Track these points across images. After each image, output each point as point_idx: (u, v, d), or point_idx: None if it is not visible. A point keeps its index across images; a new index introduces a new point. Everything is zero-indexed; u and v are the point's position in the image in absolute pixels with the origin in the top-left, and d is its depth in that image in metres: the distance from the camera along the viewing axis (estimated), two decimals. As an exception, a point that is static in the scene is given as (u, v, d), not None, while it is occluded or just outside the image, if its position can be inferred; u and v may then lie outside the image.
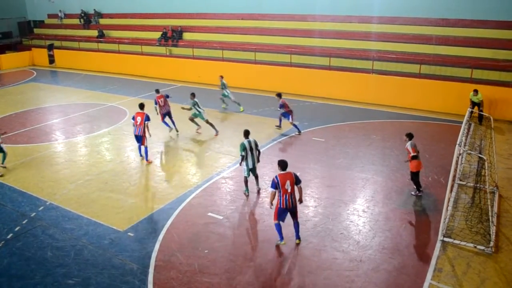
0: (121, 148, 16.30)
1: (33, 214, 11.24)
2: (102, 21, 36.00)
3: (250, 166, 11.61)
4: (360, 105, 20.75)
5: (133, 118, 14.46)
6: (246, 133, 11.70)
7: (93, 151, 15.95)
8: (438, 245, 9.37)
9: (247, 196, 11.90)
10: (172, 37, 29.86)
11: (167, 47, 29.26)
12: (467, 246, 9.23)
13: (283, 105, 16.78)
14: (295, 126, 16.79)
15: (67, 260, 9.30)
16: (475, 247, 9.15)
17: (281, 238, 9.44)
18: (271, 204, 9.39)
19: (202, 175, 13.47)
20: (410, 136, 11.51)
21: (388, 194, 11.84)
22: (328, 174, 13.26)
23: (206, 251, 9.44)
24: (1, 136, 14.67)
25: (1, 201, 12.12)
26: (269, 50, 24.73)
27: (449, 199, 9.69)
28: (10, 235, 10.33)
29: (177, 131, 17.21)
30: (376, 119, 18.43)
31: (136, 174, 13.84)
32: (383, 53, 21.57)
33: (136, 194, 12.31)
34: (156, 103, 16.87)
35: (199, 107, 16.92)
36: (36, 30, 40.74)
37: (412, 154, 11.31)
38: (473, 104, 17.29)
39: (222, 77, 20.45)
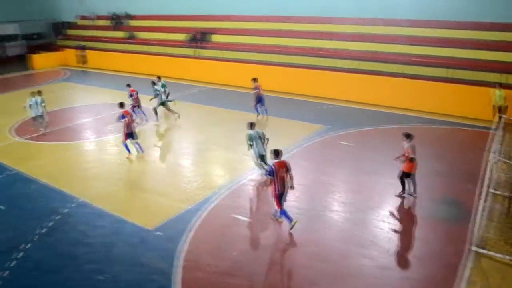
0: (150, 148, 16.53)
1: (65, 211, 11.52)
2: (132, 23, 36.64)
3: (262, 153, 12.72)
4: (388, 109, 20.46)
5: (124, 117, 14.84)
6: (251, 125, 12.89)
7: (122, 150, 16.20)
8: (470, 256, 9.16)
9: (267, 176, 12.01)
10: (200, 39, 30.15)
11: (194, 49, 29.55)
12: (502, 258, 8.95)
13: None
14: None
15: (97, 257, 9.50)
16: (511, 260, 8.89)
17: (291, 220, 10.06)
18: (272, 195, 10.08)
19: (229, 177, 13.54)
20: (408, 136, 11.38)
21: (418, 202, 11.65)
22: (356, 179, 13.14)
23: (233, 253, 9.48)
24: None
25: (36, 197, 12.48)
26: (294, 53, 24.67)
27: (481, 208, 9.45)
28: (44, 230, 10.61)
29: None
30: (405, 124, 18.13)
31: (164, 174, 14.02)
32: (411, 57, 21.25)
33: (165, 193, 12.46)
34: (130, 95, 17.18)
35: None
36: (68, 31, 41.73)
37: (411, 156, 11.20)
38: (499, 109, 16.94)
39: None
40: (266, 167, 12.49)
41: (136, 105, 19.09)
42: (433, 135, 17.11)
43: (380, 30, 23.35)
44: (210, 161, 15.02)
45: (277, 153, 10.14)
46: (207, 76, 27.61)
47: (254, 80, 19.31)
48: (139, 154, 15.47)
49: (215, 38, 29.77)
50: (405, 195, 11.68)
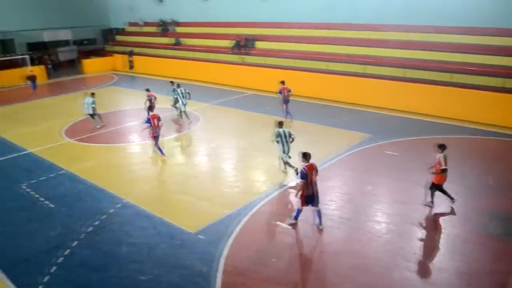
0: (194, 152, 16.87)
1: (111, 211, 11.92)
2: (179, 29, 37.54)
3: (286, 151, 13.46)
4: (436, 119, 19.83)
5: (149, 121, 15.28)
6: (280, 123, 13.57)
7: (167, 154, 16.61)
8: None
9: (295, 170, 12.86)
10: (245, 45, 30.48)
11: (240, 55, 29.90)
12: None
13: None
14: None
15: (140, 257, 9.76)
16: None
17: (296, 218, 10.66)
18: (297, 194, 10.32)
19: (271, 183, 13.56)
20: (441, 146, 11.16)
21: (466, 215, 11.22)
22: (401, 190, 12.83)
23: (273, 259, 9.48)
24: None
25: (84, 196, 13.00)
26: (340, 60, 24.45)
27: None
28: (90, 228, 11.02)
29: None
30: (454, 135, 17.55)
31: (207, 178, 14.23)
32: (462, 65, 20.54)
33: (207, 197, 12.64)
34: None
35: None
36: (117, 37, 43.36)
37: (443, 167, 10.97)
38: None
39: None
40: (291, 163, 13.51)
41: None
42: (483, 146, 16.47)
43: (429, 37, 22.75)
44: (252, 167, 15.12)
45: (306, 156, 10.34)
46: (251, 82, 27.85)
47: (282, 82, 20.16)
48: (162, 156, 15.79)
49: (260, 44, 30.00)
50: (432, 205, 11.48)
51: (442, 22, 22.54)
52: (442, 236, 10.30)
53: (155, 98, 19.95)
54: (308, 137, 17.37)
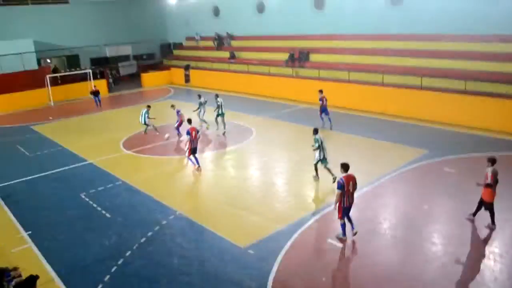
0: (246, 166, 17.01)
1: (164, 222, 12.25)
2: (234, 43, 38.29)
3: (321, 157, 14.05)
4: (500, 134, 18.73)
5: (189, 133, 15.96)
6: (316, 130, 14.31)
7: (219, 167, 16.90)
8: None
9: (334, 178, 13.17)
10: (298, 58, 30.53)
11: (293, 68, 29.96)
12: None
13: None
14: None
15: (191, 269, 9.94)
16: None
17: (344, 233, 10.63)
18: (336, 205, 10.38)
19: (323, 199, 13.41)
20: (491, 161, 10.65)
21: (534, 240, 10.52)
22: (461, 210, 12.21)
23: (323, 278, 9.33)
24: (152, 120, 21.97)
25: (139, 207, 13.48)
26: (395, 72, 23.82)
27: None
28: (144, 239, 11.38)
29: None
30: (520, 152, 16.54)
31: (259, 192, 14.29)
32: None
33: (259, 212, 12.68)
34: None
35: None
36: (175, 52, 44.91)
37: (487, 181, 10.50)
38: None
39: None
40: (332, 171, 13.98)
41: (179, 124, 20.89)
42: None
43: (492, 47, 21.66)
44: (304, 182, 14.98)
45: (345, 167, 10.39)
46: (304, 95, 27.75)
47: (320, 91, 21.09)
48: (197, 168, 16.28)
49: (314, 57, 29.94)
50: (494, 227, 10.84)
51: (507, 30, 21.39)
52: (505, 261, 9.67)
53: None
54: (362, 152, 17.05)
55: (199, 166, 16.29)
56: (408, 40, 25.20)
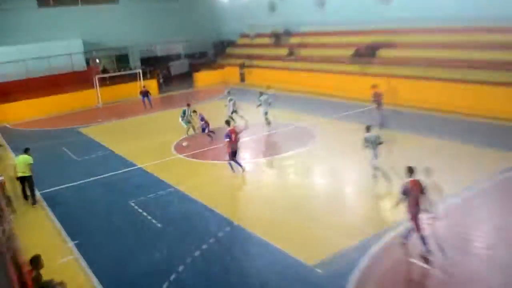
0: (310, 172, 16.32)
1: (220, 234, 11.78)
2: (292, 40, 37.71)
3: (375, 157, 14.05)
4: None
5: (228, 136, 15.77)
6: (368, 128, 14.40)
7: (280, 174, 16.27)
8: None
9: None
10: (365, 54, 29.44)
11: (360, 65, 28.90)
12: None
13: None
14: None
15: (251, 289, 9.35)
16: None
17: (426, 247, 9.75)
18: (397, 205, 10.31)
19: (402, 212, 12.37)
20: None
21: None
22: None
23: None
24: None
25: (192, 216, 13.15)
26: (479, 67, 22.11)
27: None
28: (197, 252, 10.94)
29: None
30: None
31: (326, 203, 13.55)
32: None
33: (326, 225, 11.92)
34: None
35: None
36: (228, 50, 45.08)
37: None
38: None
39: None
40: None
41: (206, 126, 21.41)
42: None
43: None
44: (378, 192, 13.97)
45: (411, 170, 10.16)
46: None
47: (375, 86, 21.34)
48: (244, 171, 16.17)
49: (383, 52, 28.71)
50: None
51: None
52: None
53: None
54: (447, 158, 15.79)
55: (242, 167, 16.13)
56: (493, 32, 23.36)
